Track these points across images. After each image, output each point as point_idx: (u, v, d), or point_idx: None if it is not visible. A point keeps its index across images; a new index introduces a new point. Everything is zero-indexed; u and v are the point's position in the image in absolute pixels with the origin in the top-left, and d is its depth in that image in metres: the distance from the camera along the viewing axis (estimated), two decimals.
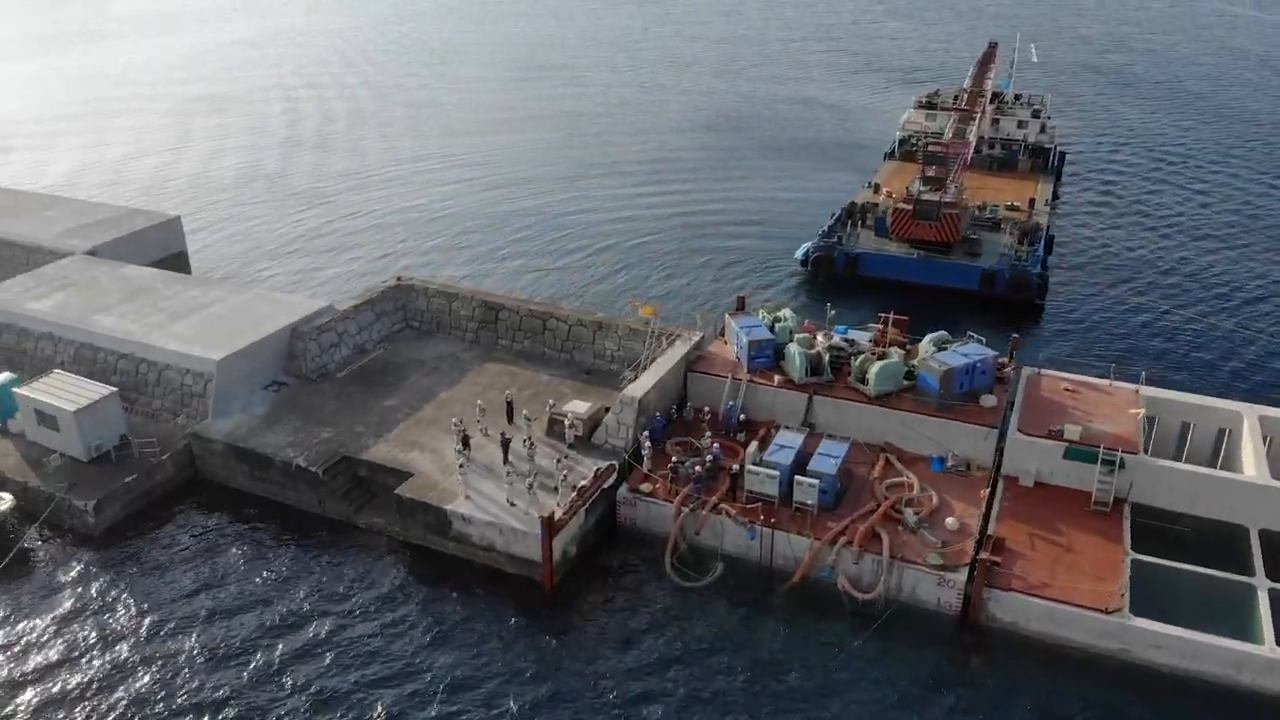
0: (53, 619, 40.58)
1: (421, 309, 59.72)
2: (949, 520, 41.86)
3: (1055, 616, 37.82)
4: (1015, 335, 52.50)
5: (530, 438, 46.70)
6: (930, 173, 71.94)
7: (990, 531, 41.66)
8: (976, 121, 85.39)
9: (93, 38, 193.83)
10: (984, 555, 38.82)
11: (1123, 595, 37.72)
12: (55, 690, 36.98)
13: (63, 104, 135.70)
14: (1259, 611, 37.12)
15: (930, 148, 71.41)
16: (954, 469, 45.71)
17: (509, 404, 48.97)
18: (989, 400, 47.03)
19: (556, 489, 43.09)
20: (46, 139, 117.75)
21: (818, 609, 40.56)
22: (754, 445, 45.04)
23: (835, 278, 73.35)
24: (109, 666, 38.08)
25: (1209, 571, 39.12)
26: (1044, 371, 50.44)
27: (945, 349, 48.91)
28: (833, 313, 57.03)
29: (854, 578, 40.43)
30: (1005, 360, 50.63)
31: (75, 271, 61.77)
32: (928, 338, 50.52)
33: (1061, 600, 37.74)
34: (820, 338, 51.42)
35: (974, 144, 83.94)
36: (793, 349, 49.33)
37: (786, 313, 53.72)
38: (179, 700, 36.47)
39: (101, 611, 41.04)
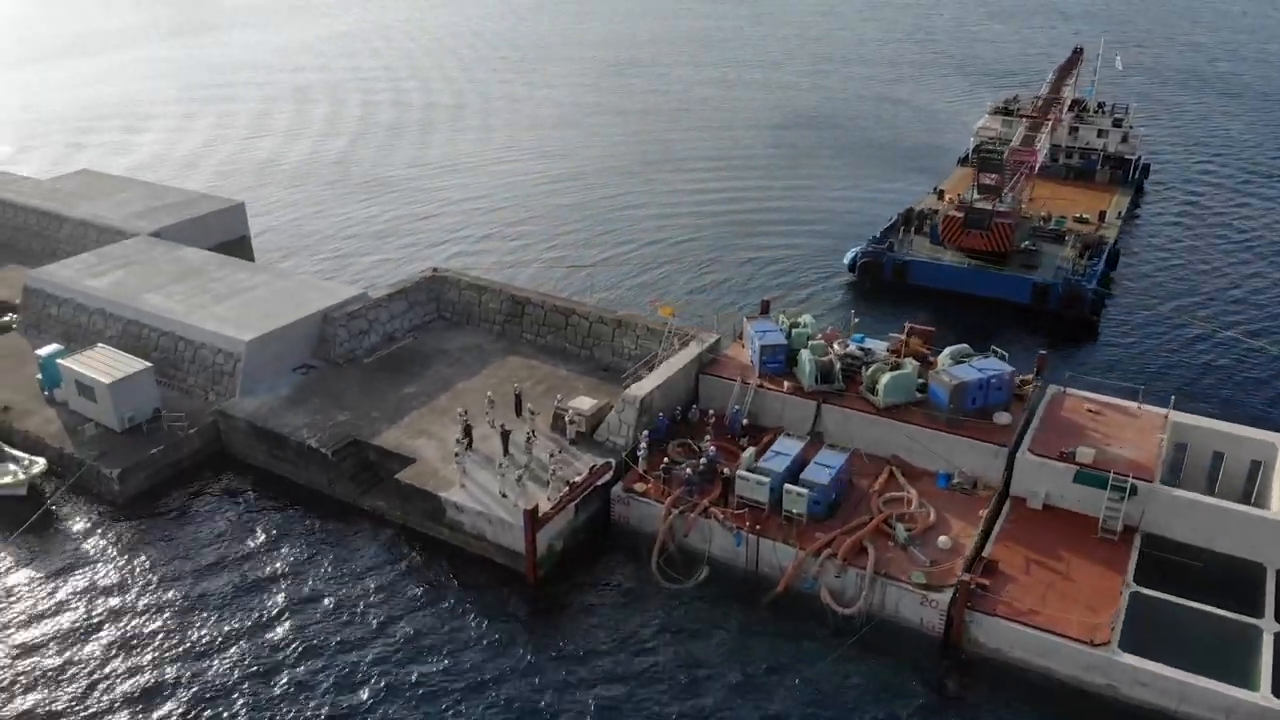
0: (63, 576, 43.00)
1: (453, 300, 60.86)
2: (941, 539, 40.57)
3: (1039, 645, 36.28)
4: (1042, 352, 50.46)
5: (534, 431, 47.24)
6: (986, 180, 69.54)
7: (986, 553, 40.25)
8: (1048, 129, 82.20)
9: (205, 29, 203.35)
10: (967, 576, 37.43)
11: (1113, 628, 35.92)
12: (56, 644, 39.12)
13: (163, 91, 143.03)
14: (1261, 656, 34.89)
15: (984, 154, 69.03)
16: (959, 486, 44.27)
17: (517, 397, 49.51)
18: (1003, 417, 45.36)
19: (548, 483, 43.39)
20: (142, 124, 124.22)
21: (799, 620, 39.81)
22: (750, 450, 44.51)
23: (883, 285, 71.86)
24: (112, 621, 40.16)
25: (1213, 610, 36.94)
26: (1070, 391, 48.38)
27: (964, 362, 47.33)
28: (856, 320, 56.04)
29: (837, 591, 39.57)
30: (1028, 377, 48.74)
31: (136, 252, 65.02)
32: (947, 350, 49.05)
33: (1046, 629, 36.18)
34: (836, 346, 50.41)
35: (1044, 152, 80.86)
36: (804, 355, 48.52)
37: (806, 318, 52.87)
38: (169, 652, 38.56)
39: (110, 570, 43.32)
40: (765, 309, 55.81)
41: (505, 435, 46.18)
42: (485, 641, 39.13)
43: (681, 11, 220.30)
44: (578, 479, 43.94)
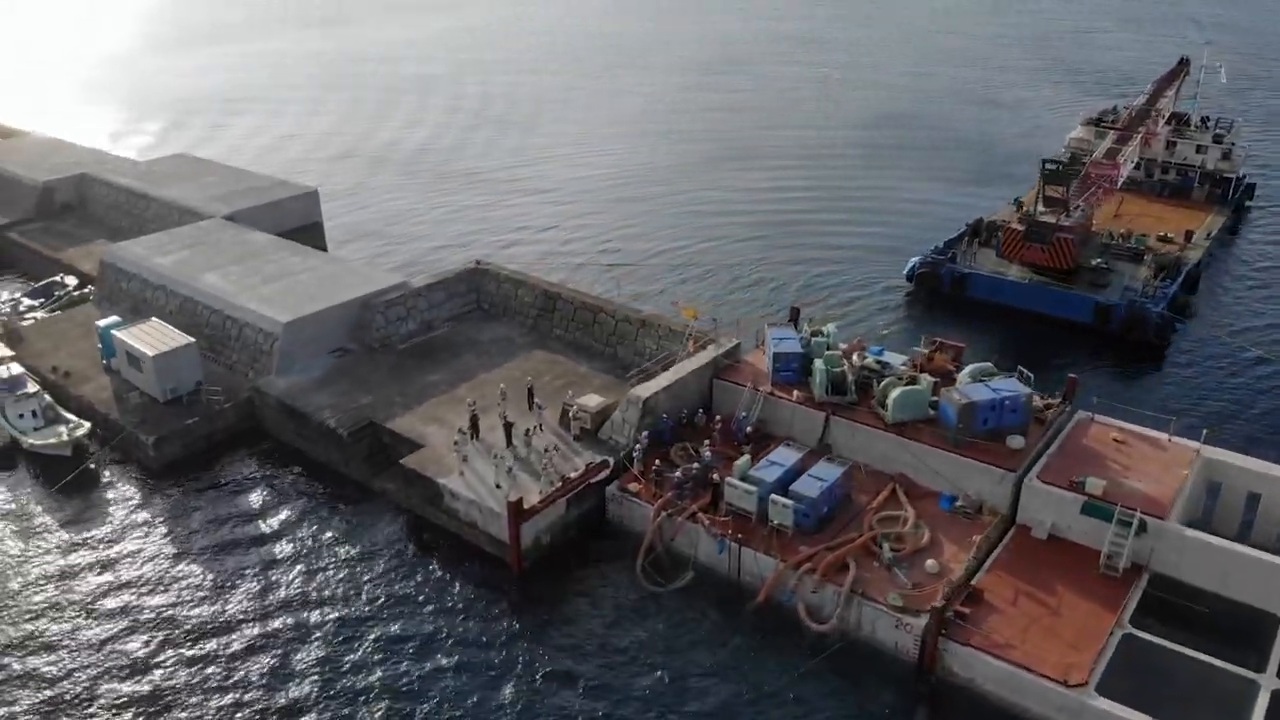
0: (89, 528, 46.33)
1: (492, 292, 62.01)
2: (929, 562, 39.17)
3: (1012, 681, 34.65)
4: (1072, 375, 47.94)
5: (540, 425, 47.89)
6: (1051, 193, 66.49)
7: (975, 581, 38.68)
8: (1135, 142, 77.88)
9: (333, 22, 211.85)
10: (940, 603, 36.03)
11: (1092, 669, 34.02)
12: (77, 592, 42.19)
13: (272, 80, 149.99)
14: (1254, 714, 32.44)
15: (1049, 166, 65.92)
16: (962, 510, 42.61)
17: (530, 390, 50.11)
18: (1016, 441, 43.39)
19: (540, 476, 43.86)
20: (244, 111, 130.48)
21: (775, 633, 39.09)
22: (745, 458, 43.90)
23: (940, 297, 69.62)
24: (127, 569, 43.39)
25: (1210, 660, 34.56)
26: (1098, 418, 45.91)
27: (983, 382, 45.50)
28: (885, 332, 54.71)
29: (814, 607, 38.71)
30: (1053, 401, 46.51)
31: (206, 233, 68.57)
32: (968, 368, 47.27)
33: (1021, 665, 34.53)
34: (855, 357, 49.20)
35: (1129, 166, 76.71)
36: (818, 365, 47.51)
37: (830, 327, 51.78)
38: (170, 598, 41.65)
39: (132, 527, 46.48)
40: (794, 316, 54.83)
41: (508, 427, 46.87)
42: (459, 625, 40.05)
43: (791, 11, 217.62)
44: (573, 475, 44.27)
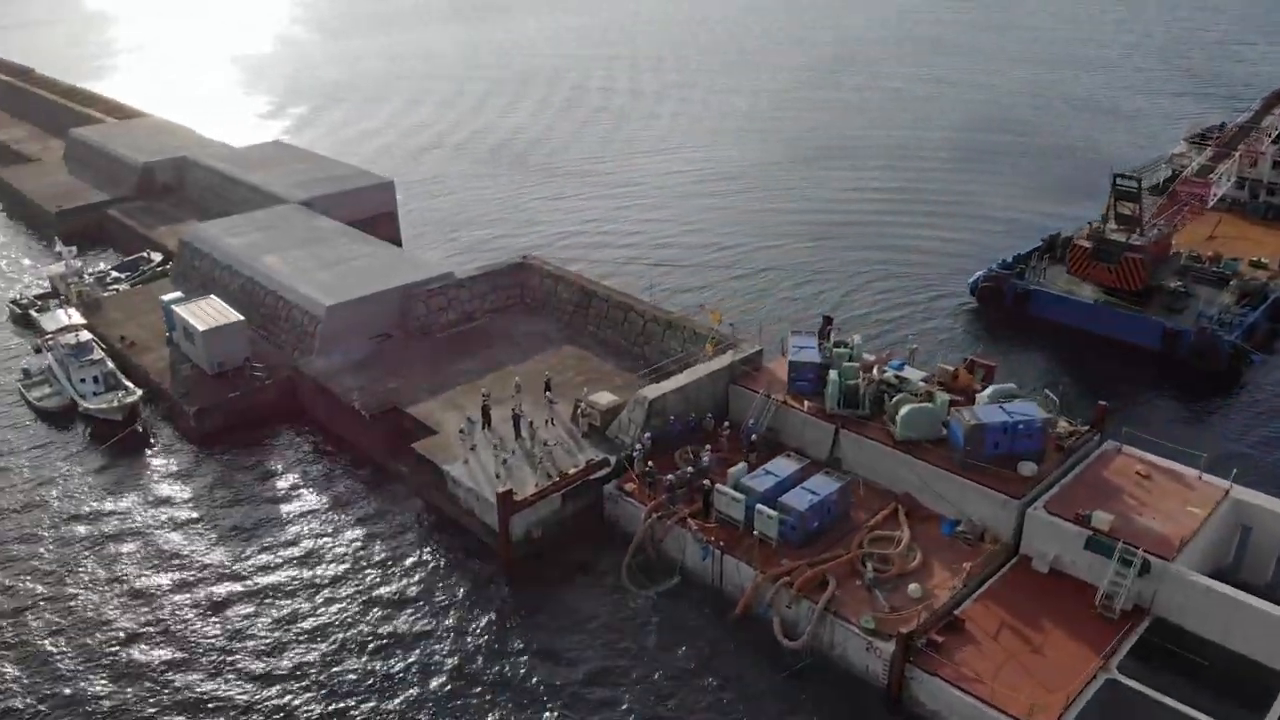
0: (126, 486, 49.86)
1: (534, 287, 62.89)
2: (912, 587, 37.79)
3: (977, 717, 33.12)
4: (1103, 403, 45.30)
5: (550, 419, 48.40)
6: (1122, 209, 62.94)
7: (960, 610, 37.15)
8: (1234, 161, 72.97)
9: (490, 11, 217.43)
10: (909, 629, 34.72)
11: (1062, 714, 32.21)
12: (104, 534, 45.97)
13: (401, 71, 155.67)
14: None
15: (1121, 181, 62.25)
16: (962, 536, 40.93)
17: (546, 383, 50.61)
18: (1027, 468, 41.35)
19: (535, 469, 44.33)
20: (369, 100, 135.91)
21: (750, 645, 38.50)
22: (741, 465, 43.30)
23: (1003, 314, 66.91)
24: (151, 528, 46.51)
25: (1198, 715, 32.21)
26: (1126, 449, 43.35)
27: (1001, 403, 43.55)
28: (914, 346, 52.90)
29: (788, 622, 37.91)
30: (1080, 428, 44.12)
31: (280, 218, 71.86)
32: (990, 389, 45.33)
33: (985, 700, 32.97)
34: (875, 370, 47.81)
35: (1224, 186, 72.01)
36: (831, 376, 46.42)
37: (855, 338, 50.43)
38: (182, 555, 44.70)
39: (166, 488, 49.80)
40: (826, 324, 53.63)
41: (516, 419, 47.50)
42: (440, 605, 41.21)
43: (923, 14, 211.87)
44: (572, 471, 44.58)
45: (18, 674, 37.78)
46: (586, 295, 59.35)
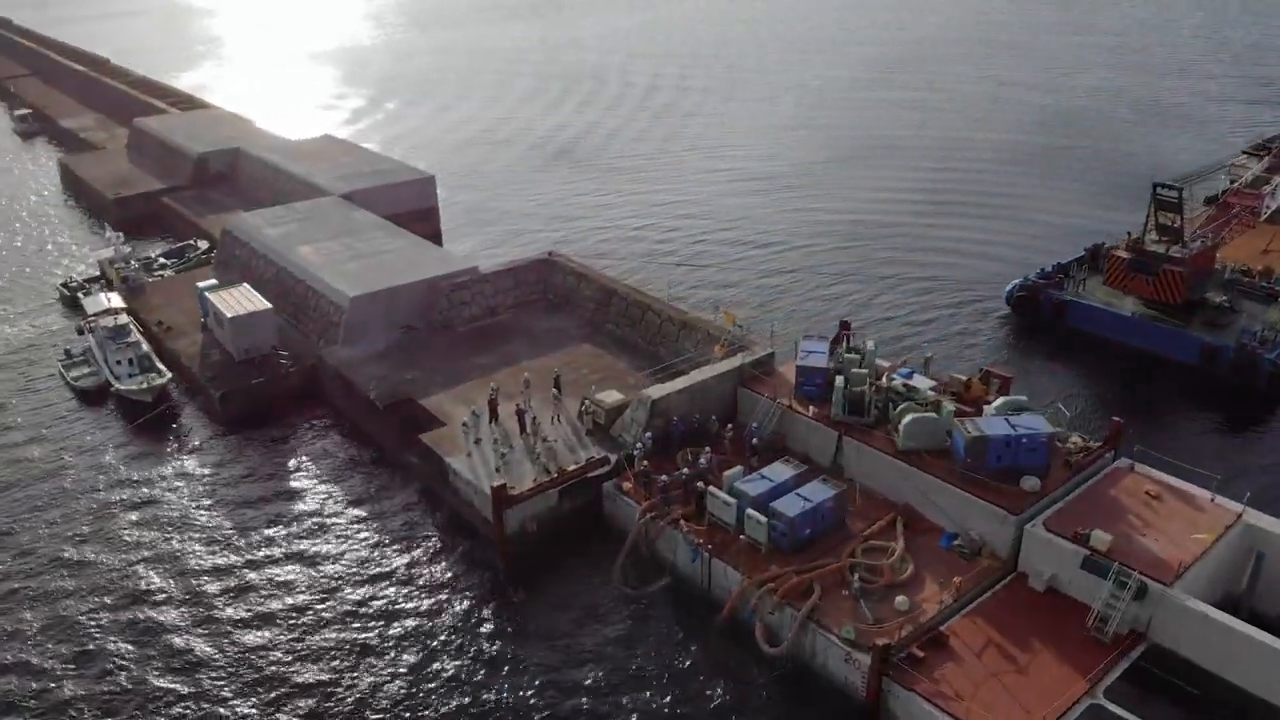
0: (151, 463, 51.75)
1: (558, 284, 63.25)
2: (899, 599, 37.10)
3: None
4: (1117, 418, 43.80)
5: (556, 416, 48.73)
6: (1163, 219, 60.76)
7: (947, 625, 36.37)
8: None
9: (550, 9, 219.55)
10: (886, 641, 34.09)
11: None
12: (125, 505, 48.13)
13: (463, 66, 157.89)
14: None
15: (1162, 190, 59.99)
16: (959, 550, 40.03)
17: (556, 380, 50.89)
18: (1030, 482, 40.24)
19: (535, 465, 44.64)
20: (421, 94, 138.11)
21: (735, 649, 38.24)
22: (737, 469, 42.99)
23: (1039, 324, 65.23)
24: (168, 502, 48.43)
25: None
26: (1139, 467, 41.98)
27: (1007, 415, 42.50)
28: (929, 354, 51.89)
29: (771, 628, 37.55)
30: (1092, 444, 42.81)
31: (318, 210, 73.48)
32: (1000, 400, 44.30)
33: (957, 717, 32.24)
34: (885, 378, 47.03)
35: (1278, 198, 69.17)
36: (837, 382, 45.80)
37: (869, 344, 49.62)
38: (189, 532, 46.34)
39: (188, 466, 51.56)
40: (844, 329, 52.89)
41: (520, 415, 47.85)
42: (429, 589, 42.10)
43: (997, 13, 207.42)
44: (571, 468, 44.78)
45: (39, 625, 40.07)
46: (607, 293, 59.51)
